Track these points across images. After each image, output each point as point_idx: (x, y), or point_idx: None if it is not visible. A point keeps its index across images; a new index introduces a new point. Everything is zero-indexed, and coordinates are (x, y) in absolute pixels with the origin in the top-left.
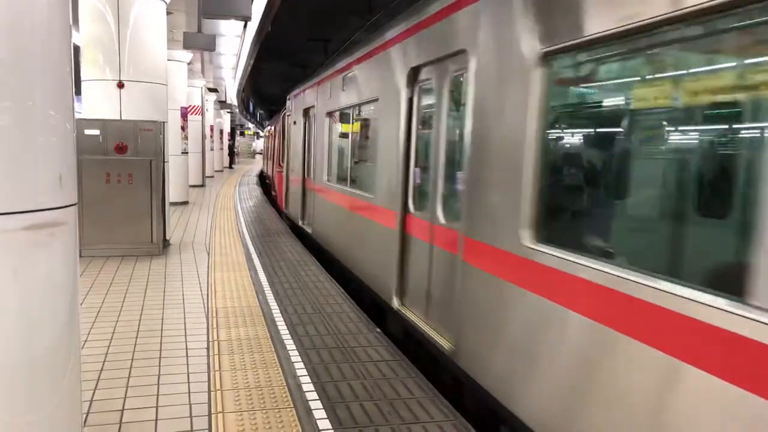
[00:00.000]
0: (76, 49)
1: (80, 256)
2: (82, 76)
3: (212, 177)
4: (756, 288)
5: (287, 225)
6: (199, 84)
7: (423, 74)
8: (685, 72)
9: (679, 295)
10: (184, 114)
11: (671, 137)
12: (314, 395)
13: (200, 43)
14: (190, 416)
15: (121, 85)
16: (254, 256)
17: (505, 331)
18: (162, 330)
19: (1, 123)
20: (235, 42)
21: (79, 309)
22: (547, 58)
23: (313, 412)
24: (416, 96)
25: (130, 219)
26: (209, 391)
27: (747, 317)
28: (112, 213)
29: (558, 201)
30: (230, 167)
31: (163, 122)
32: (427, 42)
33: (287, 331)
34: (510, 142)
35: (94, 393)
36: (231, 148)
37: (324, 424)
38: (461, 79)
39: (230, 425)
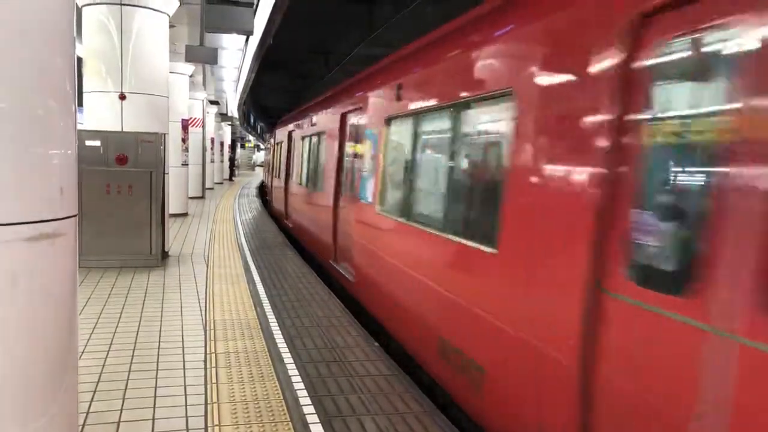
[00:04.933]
0: (79, 60)
1: (79, 266)
2: (85, 88)
3: (212, 189)
4: None
5: None
6: (201, 96)
7: None
8: None
9: None
10: (185, 126)
11: None
12: (311, 409)
13: (202, 56)
14: (187, 429)
15: (122, 97)
16: (253, 269)
17: None
18: (159, 342)
19: (3, 134)
20: (236, 55)
21: (77, 320)
22: None
23: (310, 426)
24: None
25: (129, 230)
26: (206, 404)
27: None
28: (111, 224)
29: None
30: (230, 179)
31: (164, 134)
32: None
33: (285, 345)
34: None
35: (90, 404)
36: (231, 160)
37: None
38: None
39: None
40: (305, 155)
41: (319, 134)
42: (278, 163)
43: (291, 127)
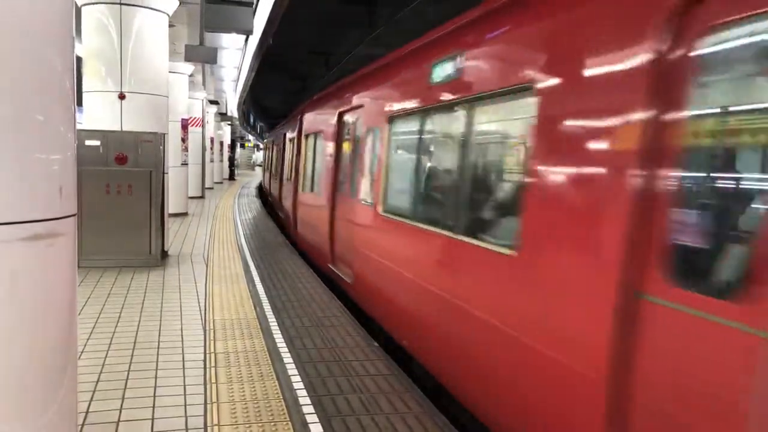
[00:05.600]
0: (79, 60)
1: (79, 266)
2: (84, 87)
3: (212, 189)
4: None
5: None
6: (200, 96)
7: None
8: None
9: None
10: (185, 126)
11: None
12: (311, 409)
13: (202, 55)
14: (186, 429)
15: (122, 97)
16: (252, 269)
17: None
18: (159, 341)
19: (2, 133)
20: (236, 55)
21: (77, 320)
22: None
23: (310, 426)
24: None
25: (129, 230)
26: (205, 404)
27: None
28: (111, 224)
29: None
30: (232, 179)
31: (164, 134)
32: None
33: (285, 344)
34: None
35: (89, 404)
36: (231, 160)
37: None
38: None
39: None
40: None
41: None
42: (291, 164)
43: (337, 107)
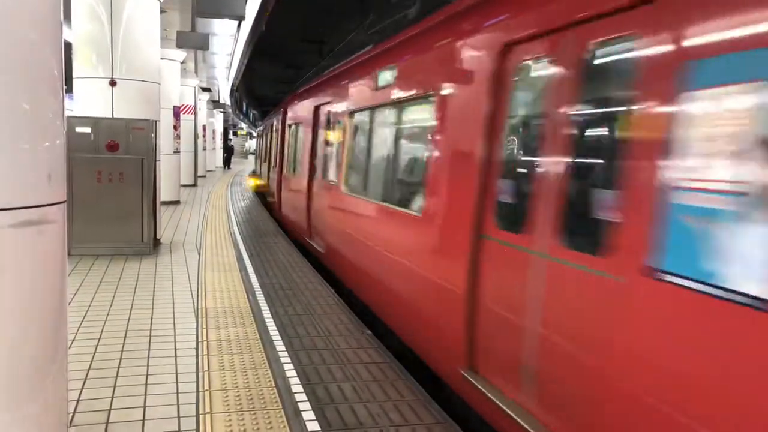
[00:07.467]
0: (69, 46)
1: (70, 254)
2: (75, 74)
3: (204, 177)
4: None
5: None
6: (192, 83)
7: None
8: None
9: None
10: (177, 113)
11: None
12: (303, 396)
13: (194, 42)
14: (178, 417)
15: (113, 83)
16: (245, 257)
17: None
18: (151, 330)
19: None
20: (228, 41)
21: (66, 307)
22: None
23: (302, 413)
24: None
25: (120, 218)
26: (198, 392)
27: None
28: (102, 211)
29: None
30: (228, 167)
31: (156, 121)
32: None
33: (277, 332)
34: None
35: (80, 392)
36: (230, 148)
37: (313, 425)
38: None
39: (218, 426)
40: None
41: None
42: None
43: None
